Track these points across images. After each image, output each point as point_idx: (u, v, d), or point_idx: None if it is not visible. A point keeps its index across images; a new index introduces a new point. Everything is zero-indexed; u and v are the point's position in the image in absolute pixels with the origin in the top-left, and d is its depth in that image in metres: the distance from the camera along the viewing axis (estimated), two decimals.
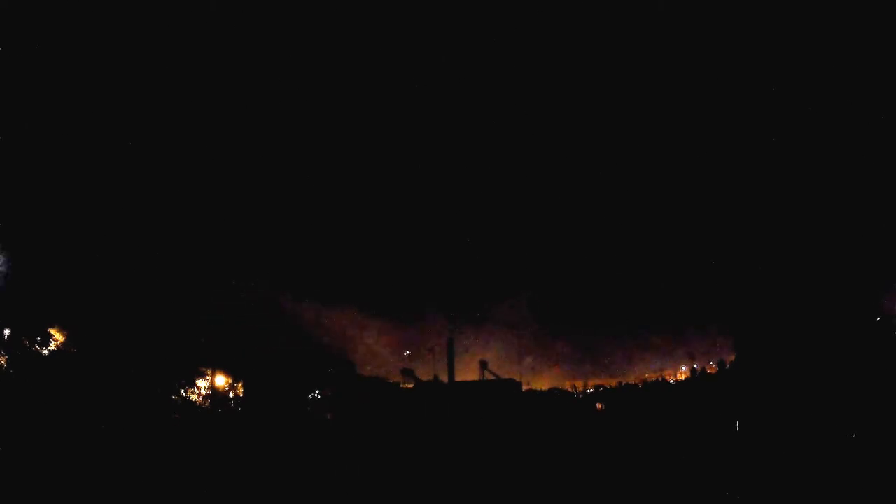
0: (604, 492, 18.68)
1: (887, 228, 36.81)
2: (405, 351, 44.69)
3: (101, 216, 34.92)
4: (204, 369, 35.35)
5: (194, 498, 17.80)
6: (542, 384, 42.81)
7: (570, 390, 43.01)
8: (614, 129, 44.35)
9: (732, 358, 39.61)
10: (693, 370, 41.86)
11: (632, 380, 43.16)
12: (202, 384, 35.41)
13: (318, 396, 37.72)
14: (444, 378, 39.16)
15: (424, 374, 40.59)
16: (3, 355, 30.04)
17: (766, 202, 40.60)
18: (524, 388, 40.41)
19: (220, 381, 35.96)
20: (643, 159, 44.36)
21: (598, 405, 41.05)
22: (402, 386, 39.93)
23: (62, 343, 32.57)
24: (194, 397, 35.03)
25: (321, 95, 42.60)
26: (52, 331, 31.93)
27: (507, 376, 39.91)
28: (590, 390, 43.20)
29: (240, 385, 36.40)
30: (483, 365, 39.96)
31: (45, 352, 31.34)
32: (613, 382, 42.99)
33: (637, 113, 43.56)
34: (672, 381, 42.61)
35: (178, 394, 34.19)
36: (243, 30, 39.62)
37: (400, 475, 21.78)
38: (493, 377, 39.70)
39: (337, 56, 42.08)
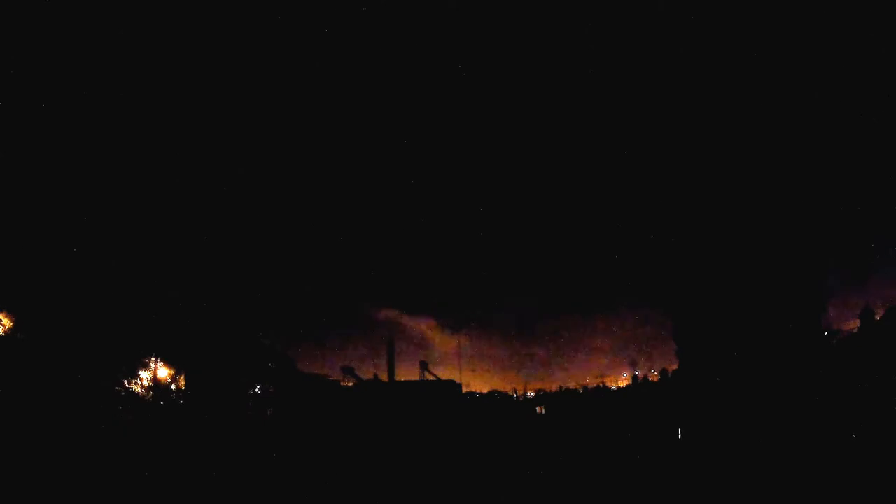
0: (544, 492, 18.78)
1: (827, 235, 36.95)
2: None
3: (52, 207, 35.90)
4: (147, 360, 36.15)
5: (135, 489, 18.30)
6: (482, 387, 43.15)
7: (510, 393, 43.30)
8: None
9: (675, 367, 39.70)
10: (635, 377, 42.01)
11: (572, 385, 43.45)
12: (145, 375, 36.19)
13: (259, 392, 38.42)
14: (384, 377, 39.79)
15: (365, 374, 41.27)
16: None
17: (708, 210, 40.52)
18: (463, 389, 40.84)
19: (163, 372, 36.76)
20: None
21: (539, 408, 41.24)
22: (342, 384, 40.66)
23: (9, 329, 33.64)
24: (137, 388, 35.77)
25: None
26: None
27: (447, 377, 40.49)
28: (530, 394, 43.43)
29: (182, 377, 37.16)
30: (423, 366, 40.54)
31: None
32: (554, 386, 43.24)
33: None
34: (613, 388, 42.70)
35: (122, 385, 34.97)
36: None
37: (339, 471, 22.21)
38: (432, 377, 40.21)
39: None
